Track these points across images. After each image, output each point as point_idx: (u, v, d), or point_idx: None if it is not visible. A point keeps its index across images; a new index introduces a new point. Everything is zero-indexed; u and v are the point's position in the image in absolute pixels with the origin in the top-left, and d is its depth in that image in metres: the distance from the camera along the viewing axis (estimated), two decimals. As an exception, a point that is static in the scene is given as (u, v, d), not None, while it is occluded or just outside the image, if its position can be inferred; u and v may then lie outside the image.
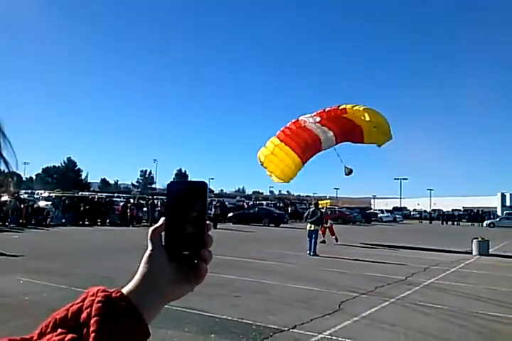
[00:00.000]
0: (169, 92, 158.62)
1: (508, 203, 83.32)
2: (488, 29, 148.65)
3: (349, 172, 16.30)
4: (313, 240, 15.64)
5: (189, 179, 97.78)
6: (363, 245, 19.87)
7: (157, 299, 0.73)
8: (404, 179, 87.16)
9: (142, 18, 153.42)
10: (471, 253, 17.24)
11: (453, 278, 11.45)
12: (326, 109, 17.80)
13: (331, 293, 8.87)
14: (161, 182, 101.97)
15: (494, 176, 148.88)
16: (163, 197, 49.26)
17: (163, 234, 0.75)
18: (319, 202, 19.69)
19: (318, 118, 17.23)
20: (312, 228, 16.03)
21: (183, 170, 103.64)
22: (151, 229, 0.75)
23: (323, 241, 19.28)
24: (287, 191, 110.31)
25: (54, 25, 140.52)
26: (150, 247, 0.74)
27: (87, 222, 28.69)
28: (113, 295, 0.68)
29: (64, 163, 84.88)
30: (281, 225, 34.37)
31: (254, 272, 11.07)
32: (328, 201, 22.01)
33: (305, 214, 17.11)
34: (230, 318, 6.63)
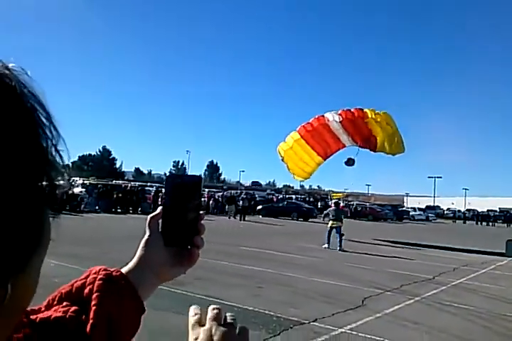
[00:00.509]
0: (204, 84, 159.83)
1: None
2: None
3: (350, 162, 16.77)
4: (333, 234, 15.94)
5: (220, 171, 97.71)
6: (391, 243, 19.60)
7: (152, 279, 0.81)
8: (438, 177, 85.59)
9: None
10: (505, 255, 16.78)
11: (483, 279, 11.18)
12: (352, 109, 18.13)
13: (355, 289, 8.81)
14: (192, 173, 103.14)
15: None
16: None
17: (160, 221, 0.82)
18: (334, 195, 19.95)
19: (340, 118, 17.60)
20: (335, 225, 16.25)
21: (214, 162, 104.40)
22: (150, 216, 0.82)
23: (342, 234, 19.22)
24: (318, 186, 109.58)
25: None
26: (148, 233, 0.82)
27: (119, 210, 29.34)
28: (113, 273, 0.75)
29: (99, 151, 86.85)
30: (310, 220, 34.23)
31: (280, 264, 11.09)
32: (342, 194, 21.82)
33: (325, 212, 17.82)
34: (251, 308, 6.68)
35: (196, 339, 0.72)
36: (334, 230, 16.08)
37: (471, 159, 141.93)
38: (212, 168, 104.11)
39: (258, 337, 5.39)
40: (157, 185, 52.82)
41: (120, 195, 29.78)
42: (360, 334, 5.85)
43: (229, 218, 30.15)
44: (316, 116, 18.59)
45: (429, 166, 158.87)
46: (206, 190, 48.29)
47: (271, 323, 6.01)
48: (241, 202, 31.28)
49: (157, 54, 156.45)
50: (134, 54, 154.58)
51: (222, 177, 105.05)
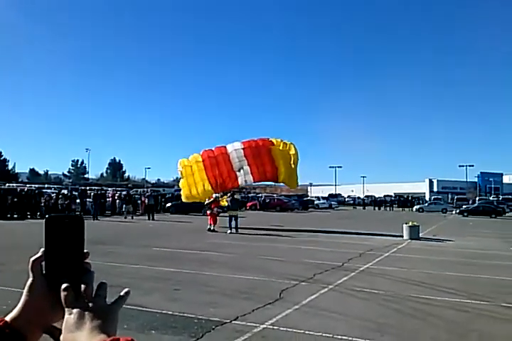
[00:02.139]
0: (103, 81, 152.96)
1: (435, 189, 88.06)
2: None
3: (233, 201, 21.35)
4: (233, 222, 19.57)
5: (123, 168, 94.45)
6: (300, 232, 20.22)
7: (39, 323, 0.79)
8: (338, 167, 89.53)
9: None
10: (403, 237, 18.04)
11: (387, 262, 11.90)
12: (256, 139, 20.41)
13: (271, 282, 8.93)
14: (94, 172, 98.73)
15: (423, 163, 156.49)
16: (96, 188, 47.84)
17: (43, 264, 0.80)
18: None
19: (242, 145, 19.66)
20: (233, 213, 19.93)
21: (117, 159, 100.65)
22: (31, 259, 0.80)
23: (213, 230, 20.14)
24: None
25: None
26: (31, 277, 0.79)
27: (16, 215, 27.26)
28: None
29: (-12, 152, 79.88)
30: (221, 214, 34.25)
31: (195, 264, 10.93)
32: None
33: (226, 204, 21.39)
34: (170, 313, 6.49)
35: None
36: (233, 218, 19.57)
37: (367, 148, 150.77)
38: (115, 166, 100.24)
39: (181, 342, 5.24)
40: (56, 186, 50.02)
41: (15, 199, 27.60)
42: (281, 328, 5.91)
43: (125, 218, 28.40)
44: (218, 146, 21.22)
45: (330, 157, 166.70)
46: (110, 189, 46.52)
47: (192, 326, 5.88)
48: (147, 200, 29.90)
49: (57, 52, 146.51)
50: (37, 54, 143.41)
51: (126, 174, 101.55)
